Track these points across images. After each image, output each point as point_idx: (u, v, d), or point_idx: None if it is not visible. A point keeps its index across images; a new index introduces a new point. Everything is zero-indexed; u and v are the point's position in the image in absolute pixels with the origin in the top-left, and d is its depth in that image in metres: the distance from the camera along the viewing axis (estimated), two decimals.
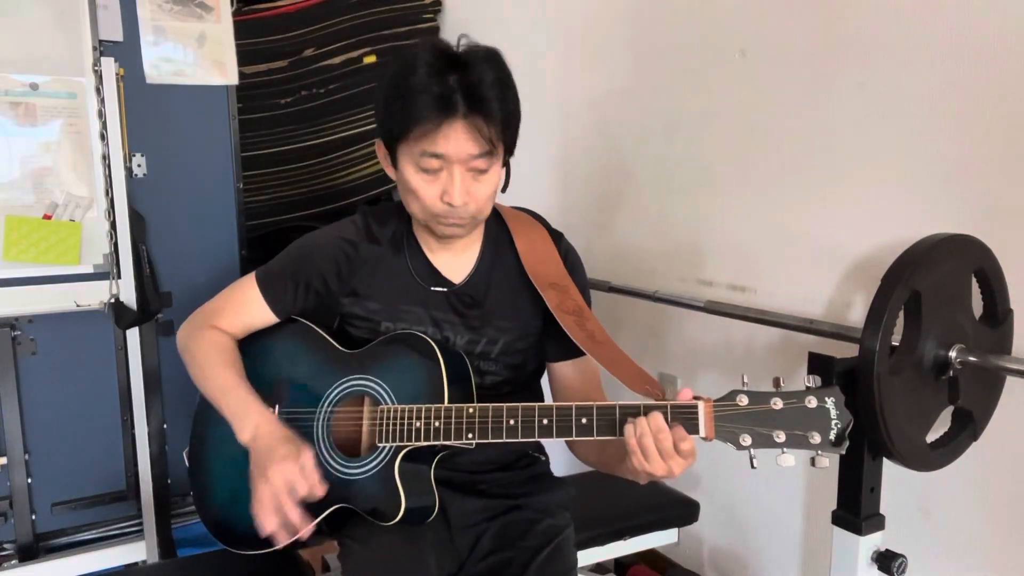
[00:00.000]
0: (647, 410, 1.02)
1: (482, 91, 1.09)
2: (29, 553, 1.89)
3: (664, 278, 2.09)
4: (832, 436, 0.98)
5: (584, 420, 1.05)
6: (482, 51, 1.13)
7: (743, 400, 1.01)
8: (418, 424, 1.13)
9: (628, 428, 1.02)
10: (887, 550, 1.37)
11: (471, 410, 1.11)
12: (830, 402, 0.99)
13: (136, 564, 1.96)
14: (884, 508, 1.39)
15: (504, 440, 1.09)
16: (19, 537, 1.88)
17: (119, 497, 2.00)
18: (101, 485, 1.98)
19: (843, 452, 0.99)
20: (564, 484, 1.40)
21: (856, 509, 1.36)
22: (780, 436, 0.99)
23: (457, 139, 1.10)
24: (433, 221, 1.19)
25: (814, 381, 1.01)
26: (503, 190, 1.22)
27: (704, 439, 1.02)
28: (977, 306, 1.36)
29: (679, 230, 2.05)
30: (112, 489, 1.99)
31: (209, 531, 1.35)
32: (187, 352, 1.30)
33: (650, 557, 2.10)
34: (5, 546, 1.89)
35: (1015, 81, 1.33)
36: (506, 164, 1.20)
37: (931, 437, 1.35)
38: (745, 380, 1.03)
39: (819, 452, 0.99)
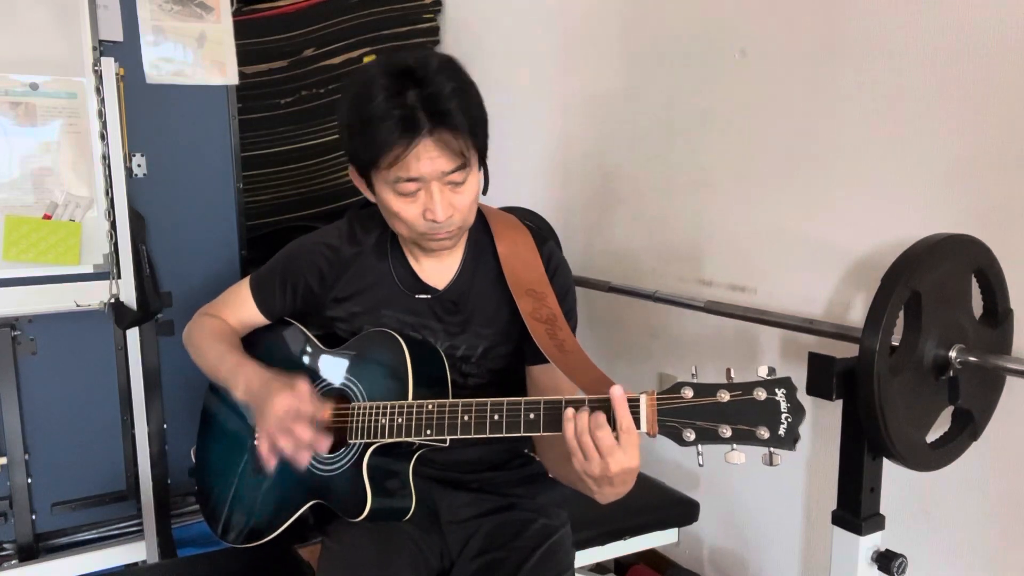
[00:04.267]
0: (592, 402, 0.98)
1: (443, 104, 1.06)
2: (29, 553, 1.88)
3: (664, 278, 2.09)
4: (781, 431, 0.90)
5: (532, 415, 1.02)
6: (436, 61, 1.10)
7: (688, 393, 0.94)
8: (383, 421, 1.13)
9: (568, 427, 0.98)
10: (887, 550, 1.37)
11: (430, 406, 1.10)
12: (780, 394, 0.91)
13: (136, 564, 1.96)
14: (884, 508, 1.39)
15: (460, 436, 1.07)
16: (19, 537, 1.88)
17: (119, 497, 1.99)
18: (101, 485, 1.97)
19: (793, 450, 0.91)
20: (559, 484, 1.39)
21: (856, 509, 1.36)
22: (726, 431, 0.92)
23: (428, 158, 1.08)
24: (421, 239, 1.18)
25: (767, 372, 0.93)
26: (484, 192, 1.21)
27: (648, 435, 0.96)
28: (977, 306, 1.36)
29: (679, 230, 2.05)
30: (112, 489, 1.99)
31: (211, 528, 1.36)
32: (189, 341, 1.36)
33: (650, 557, 2.10)
34: (5, 546, 1.89)
35: (1015, 81, 1.33)
36: (483, 166, 1.19)
37: (931, 437, 1.35)
38: (694, 372, 0.96)
39: (770, 449, 0.91)
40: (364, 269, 1.29)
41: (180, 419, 2.01)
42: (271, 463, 1.13)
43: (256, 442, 1.15)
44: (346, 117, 1.13)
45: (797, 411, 0.92)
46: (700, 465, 0.95)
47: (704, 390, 0.94)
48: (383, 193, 1.15)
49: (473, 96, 1.12)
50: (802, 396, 0.94)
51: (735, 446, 0.93)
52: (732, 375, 0.95)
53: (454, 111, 1.07)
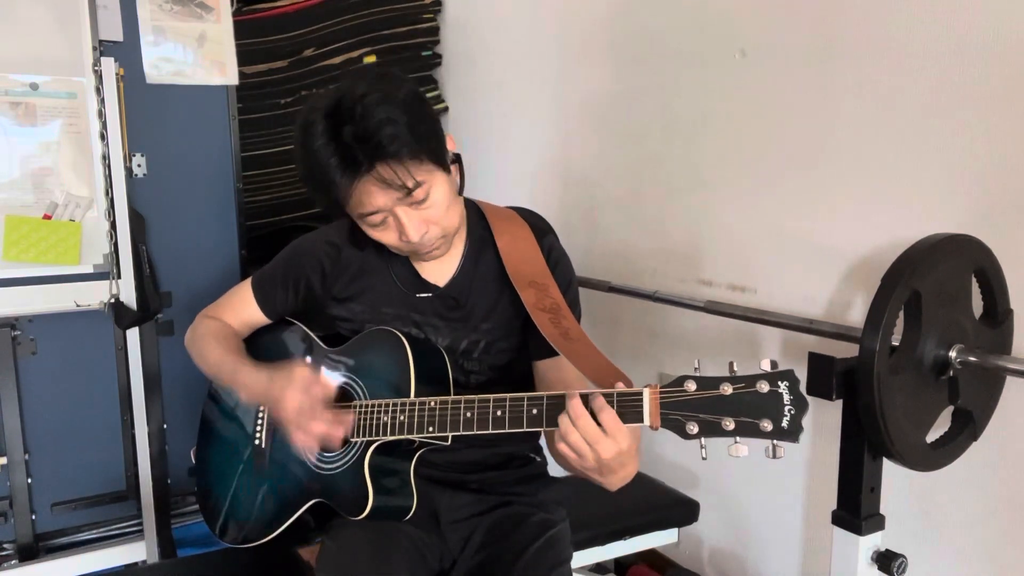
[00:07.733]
0: (592, 397, 0.97)
1: (377, 138, 1.05)
2: (29, 553, 1.89)
3: (664, 278, 2.09)
4: (785, 423, 0.91)
5: (535, 411, 1.02)
6: (363, 87, 1.07)
7: (691, 386, 0.94)
8: (384, 418, 1.14)
9: (560, 427, 0.98)
10: (887, 550, 1.37)
11: (432, 403, 1.10)
12: (783, 387, 0.92)
13: (136, 564, 1.96)
14: (884, 508, 1.39)
15: (462, 432, 1.07)
16: (19, 537, 1.88)
17: (119, 497, 2.00)
18: (101, 485, 1.98)
19: (796, 441, 0.91)
20: (558, 483, 1.40)
21: (856, 509, 1.36)
22: (729, 424, 0.92)
23: (373, 193, 1.08)
24: (412, 256, 1.22)
25: (770, 365, 0.94)
26: (460, 192, 1.22)
27: (651, 428, 0.96)
28: (977, 306, 1.36)
29: (679, 230, 2.05)
30: (112, 489, 1.99)
31: (210, 528, 1.36)
32: (191, 344, 1.37)
33: (650, 557, 2.10)
34: (5, 546, 1.89)
35: (1015, 81, 1.33)
36: (448, 167, 1.17)
37: (931, 437, 1.35)
38: (697, 365, 0.97)
39: (773, 441, 0.92)
40: (365, 268, 1.30)
41: (180, 419, 2.01)
42: (312, 455, 1.21)
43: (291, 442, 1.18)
44: (300, 168, 1.14)
45: (800, 403, 0.92)
46: (703, 459, 0.94)
47: (707, 383, 0.95)
48: (360, 226, 1.18)
49: (411, 114, 1.08)
50: (804, 391, 0.94)
51: (738, 439, 0.93)
52: (735, 368, 0.95)
53: (386, 142, 1.05)
